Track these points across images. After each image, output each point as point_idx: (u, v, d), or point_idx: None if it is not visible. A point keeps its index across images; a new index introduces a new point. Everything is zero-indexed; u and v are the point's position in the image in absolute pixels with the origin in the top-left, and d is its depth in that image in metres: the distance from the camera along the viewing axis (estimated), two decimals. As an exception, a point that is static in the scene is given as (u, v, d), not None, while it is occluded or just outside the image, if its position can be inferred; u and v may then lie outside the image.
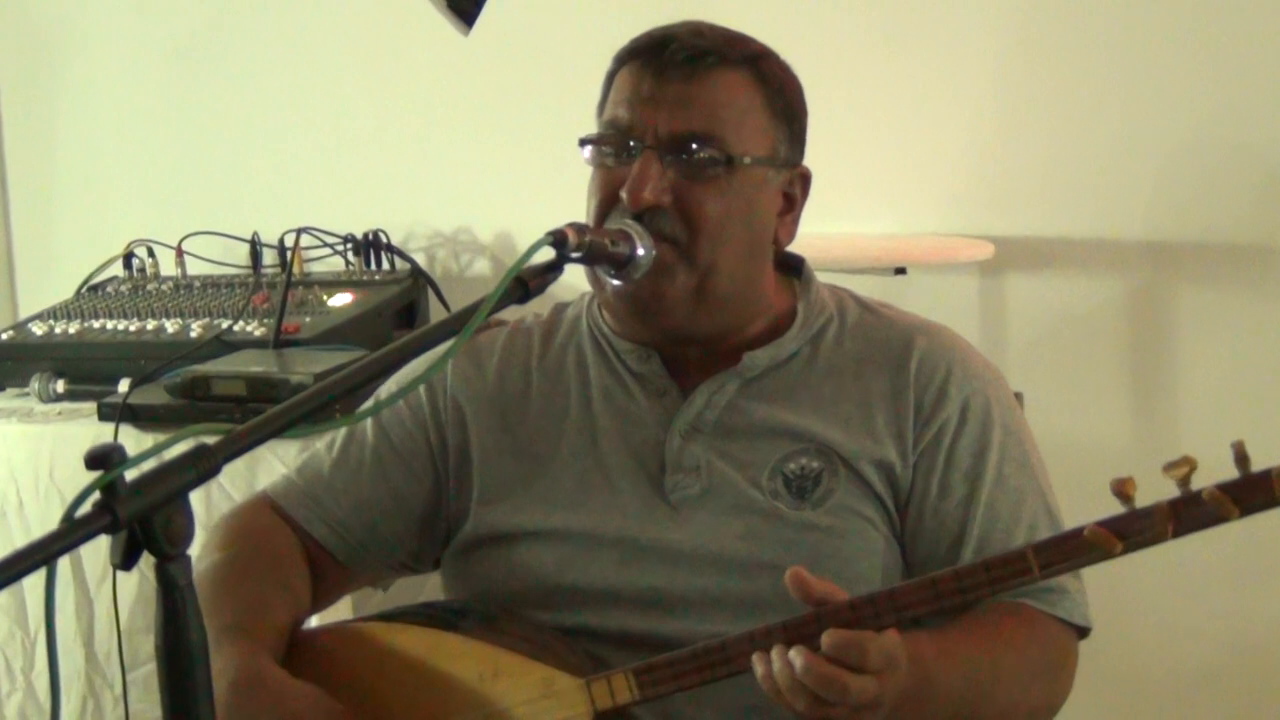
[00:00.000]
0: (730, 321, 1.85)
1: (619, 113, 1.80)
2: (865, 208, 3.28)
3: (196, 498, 1.30)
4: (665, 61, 1.78)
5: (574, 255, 1.64)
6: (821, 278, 1.97)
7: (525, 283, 1.57)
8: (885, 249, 3.18)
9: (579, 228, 1.65)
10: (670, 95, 1.78)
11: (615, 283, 1.77)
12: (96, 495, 1.24)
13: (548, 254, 1.61)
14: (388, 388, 1.90)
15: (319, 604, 1.94)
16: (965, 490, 1.80)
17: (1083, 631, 1.81)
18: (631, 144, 1.78)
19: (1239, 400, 3.11)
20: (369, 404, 1.85)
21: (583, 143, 1.83)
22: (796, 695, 1.53)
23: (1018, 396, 1.95)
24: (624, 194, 1.76)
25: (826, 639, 1.51)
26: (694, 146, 1.77)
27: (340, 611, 2.07)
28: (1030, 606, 1.76)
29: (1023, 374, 2.85)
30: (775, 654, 1.54)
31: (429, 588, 2.04)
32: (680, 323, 1.81)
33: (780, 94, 1.84)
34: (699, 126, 1.77)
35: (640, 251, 1.72)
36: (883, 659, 1.52)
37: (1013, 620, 1.74)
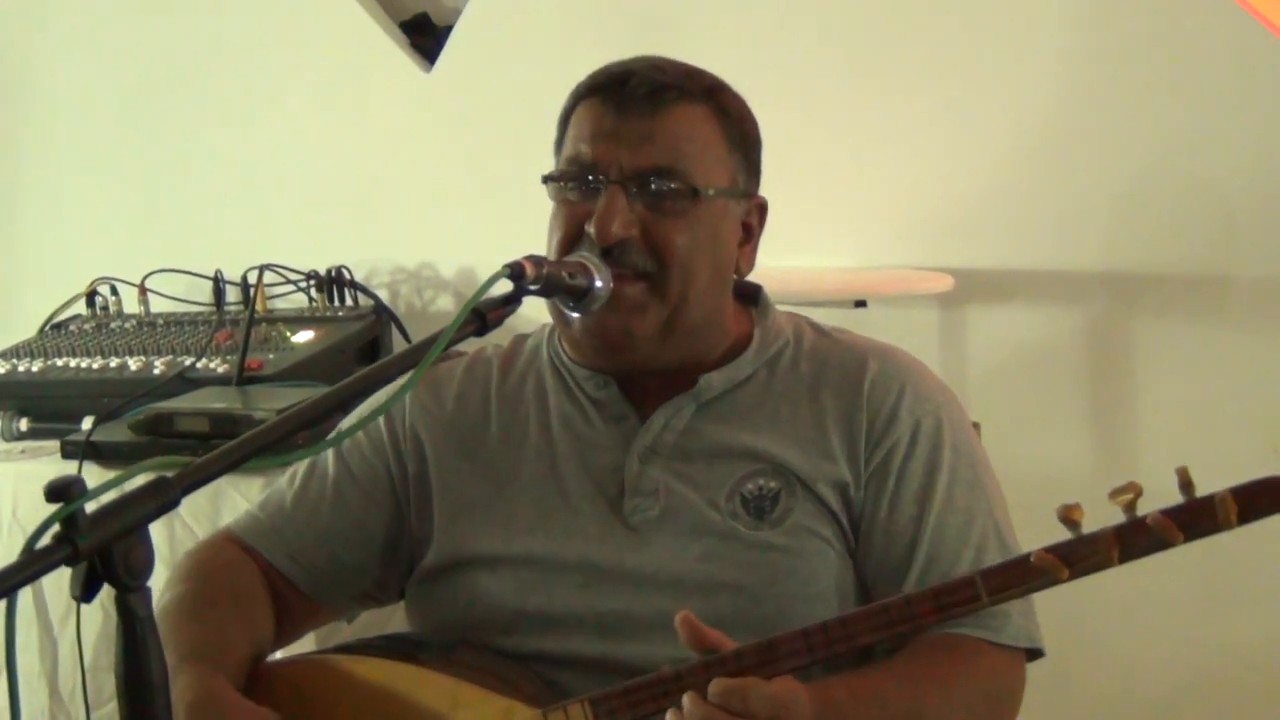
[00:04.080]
0: (692, 352, 1.87)
1: (581, 149, 1.81)
2: (826, 241, 3.30)
3: (160, 534, 1.30)
4: (626, 96, 1.80)
5: (531, 288, 1.65)
6: (781, 310, 1.98)
7: (483, 315, 1.58)
8: (846, 282, 3.21)
9: (536, 260, 1.65)
10: (633, 130, 1.80)
11: (575, 315, 1.78)
12: (56, 528, 1.24)
13: (506, 287, 1.62)
14: (348, 421, 1.90)
15: (284, 638, 1.94)
16: (914, 510, 1.82)
17: (1032, 654, 1.81)
18: (595, 179, 1.80)
19: (1196, 430, 3.13)
20: (330, 436, 1.85)
21: (546, 180, 1.85)
22: None
23: (975, 427, 1.97)
24: (591, 228, 1.77)
25: (712, 687, 1.55)
26: (658, 180, 1.79)
27: (303, 644, 2.06)
28: (971, 637, 1.75)
29: (982, 405, 2.87)
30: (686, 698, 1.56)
31: (395, 621, 2.04)
32: (647, 357, 1.83)
33: (737, 125, 1.86)
34: (662, 160, 1.79)
35: (598, 283, 1.73)
36: (766, 703, 1.54)
37: (945, 656, 1.74)
